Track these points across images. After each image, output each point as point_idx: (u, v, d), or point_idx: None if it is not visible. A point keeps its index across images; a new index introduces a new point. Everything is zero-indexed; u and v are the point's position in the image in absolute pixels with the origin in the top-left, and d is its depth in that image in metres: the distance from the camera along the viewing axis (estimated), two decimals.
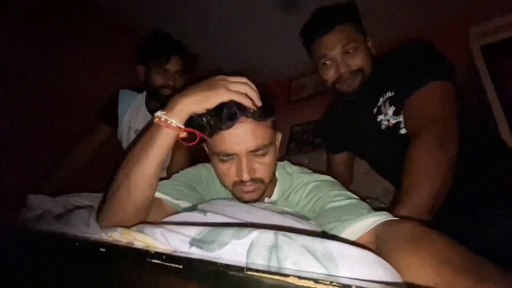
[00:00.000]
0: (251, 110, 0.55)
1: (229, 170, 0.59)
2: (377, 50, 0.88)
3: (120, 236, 0.43)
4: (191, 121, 0.57)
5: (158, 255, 0.31)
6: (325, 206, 0.56)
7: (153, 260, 0.30)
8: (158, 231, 0.37)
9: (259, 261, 0.27)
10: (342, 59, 0.81)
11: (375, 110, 0.84)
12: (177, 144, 1.09)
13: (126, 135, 1.17)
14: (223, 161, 0.59)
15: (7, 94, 1.33)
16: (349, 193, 0.58)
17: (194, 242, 0.33)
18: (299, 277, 0.19)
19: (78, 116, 1.46)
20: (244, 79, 0.55)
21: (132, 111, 1.17)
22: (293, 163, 0.77)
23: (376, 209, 0.51)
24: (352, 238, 0.46)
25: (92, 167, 1.20)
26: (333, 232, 0.49)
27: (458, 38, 1.75)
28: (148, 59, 1.07)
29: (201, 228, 0.34)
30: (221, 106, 0.54)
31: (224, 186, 0.64)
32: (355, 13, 0.85)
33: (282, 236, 0.28)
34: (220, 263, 0.24)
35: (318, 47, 0.83)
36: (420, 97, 0.70)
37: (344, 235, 0.47)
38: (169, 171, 1.09)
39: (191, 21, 1.86)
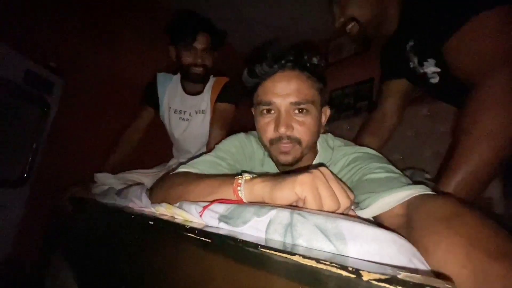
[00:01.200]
0: (303, 64, 0.58)
1: (268, 125, 0.60)
2: None
3: (164, 210, 0.50)
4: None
5: (192, 229, 0.35)
6: (363, 177, 0.54)
7: (188, 234, 0.36)
8: (193, 207, 0.42)
9: (276, 237, 0.29)
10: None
11: (405, 54, 0.79)
12: (214, 121, 1.16)
13: (167, 115, 1.26)
14: (263, 114, 0.61)
15: (66, 85, 1.52)
16: (391, 167, 0.55)
17: (222, 218, 0.37)
18: (304, 256, 0.22)
19: (129, 99, 1.61)
20: (350, 195, 0.41)
21: (169, 92, 1.24)
22: (333, 131, 0.75)
23: (417, 183, 0.48)
24: (383, 209, 0.45)
25: (142, 145, 1.34)
26: (365, 203, 0.48)
27: None
28: (177, 39, 1.10)
29: (228, 206, 0.38)
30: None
31: (263, 145, 0.65)
32: None
33: (297, 215, 0.30)
34: (239, 239, 0.28)
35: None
36: (463, 38, 0.55)
37: (375, 206, 0.46)
38: (208, 147, 1.17)
39: None
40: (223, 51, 1.28)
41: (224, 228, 0.36)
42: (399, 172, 0.53)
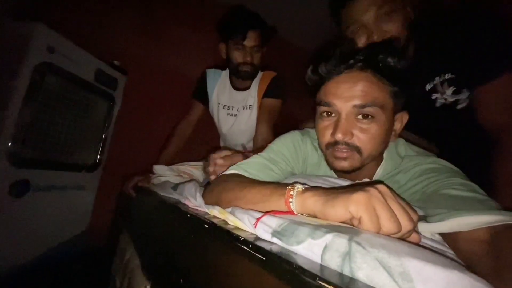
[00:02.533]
0: (373, 64, 0.53)
1: (326, 129, 0.57)
2: None
3: (218, 214, 0.52)
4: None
5: (246, 242, 0.37)
6: (440, 190, 0.48)
7: (241, 246, 0.37)
8: (246, 217, 0.43)
9: (332, 265, 0.29)
10: (375, 24, 0.71)
11: (428, 87, 0.79)
12: (261, 116, 1.16)
13: (216, 110, 1.31)
14: (322, 116, 0.58)
15: (128, 81, 1.68)
16: (476, 186, 0.48)
17: (275, 233, 0.37)
18: None
19: (184, 94, 1.71)
20: (413, 216, 0.37)
21: (218, 88, 1.28)
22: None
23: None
24: (461, 229, 0.40)
25: (193, 139, 1.42)
26: (438, 217, 0.43)
27: None
28: (227, 36, 1.11)
29: (281, 221, 0.38)
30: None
31: (320, 149, 0.62)
32: None
33: (355, 245, 0.28)
34: (296, 265, 0.28)
35: (348, 12, 0.75)
36: (496, 90, 0.67)
37: (452, 222, 0.41)
38: (254, 143, 1.19)
39: None
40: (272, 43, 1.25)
41: (277, 244, 0.36)
42: (485, 194, 0.46)
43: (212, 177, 0.73)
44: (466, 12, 0.72)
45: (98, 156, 1.54)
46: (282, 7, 1.97)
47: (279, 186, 0.49)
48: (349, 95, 0.53)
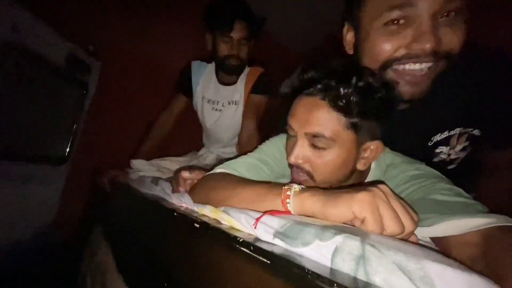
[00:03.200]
0: (331, 94, 0.48)
1: (289, 148, 0.57)
2: None
3: (209, 213, 0.49)
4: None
5: (246, 244, 0.34)
6: (427, 196, 0.47)
7: (241, 248, 0.34)
8: (242, 216, 0.41)
9: (345, 269, 0.27)
10: (434, 24, 0.47)
11: (437, 138, 0.64)
12: (247, 112, 1.13)
13: (200, 104, 1.25)
14: (287, 136, 0.58)
15: (103, 68, 1.56)
16: (462, 191, 0.48)
17: (277, 234, 0.34)
18: None
19: (164, 85, 1.62)
20: (415, 217, 0.37)
21: (203, 82, 1.22)
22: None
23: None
24: (452, 233, 0.40)
25: (173, 132, 1.35)
26: (429, 221, 0.42)
27: None
28: (213, 27, 1.06)
29: (283, 221, 0.36)
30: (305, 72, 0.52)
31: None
32: None
33: (370, 247, 0.27)
34: (309, 270, 0.25)
35: None
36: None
37: (442, 226, 0.40)
38: (240, 138, 1.15)
39: None
40: (260, 38, 1.22)
41: (279, 246, 0.34)
42: (471, 198, 0.46)
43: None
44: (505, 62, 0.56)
45: (68, 149, 1.42)
46: (271, 6, 1.95)
47: (275, 185, 0.47)
48: (304, 120, 0.51)
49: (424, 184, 0.50)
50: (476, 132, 0.61)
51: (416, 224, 0.36)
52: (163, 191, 0.70)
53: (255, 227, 0.37)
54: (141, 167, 1.05)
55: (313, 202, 0.40)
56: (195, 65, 1.24)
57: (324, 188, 0.44)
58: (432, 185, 0.49)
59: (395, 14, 0.48)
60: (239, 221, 0.41)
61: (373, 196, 0.35)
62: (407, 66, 0.51)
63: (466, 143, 0.63)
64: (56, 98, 1.33)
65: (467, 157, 0.67)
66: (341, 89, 0.48)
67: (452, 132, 0.62)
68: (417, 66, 0.50)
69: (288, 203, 0.42)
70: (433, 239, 0.45)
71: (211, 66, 1.22)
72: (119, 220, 0.90)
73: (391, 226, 0.34)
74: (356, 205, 0.35)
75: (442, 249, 0.44)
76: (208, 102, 1.23)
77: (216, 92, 1.22)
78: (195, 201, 0.56)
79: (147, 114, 1.43)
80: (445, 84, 0.55)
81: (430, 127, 0.64)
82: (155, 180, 0.84)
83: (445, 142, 0.64)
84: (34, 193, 1.25)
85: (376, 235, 0.32)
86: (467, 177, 0.70)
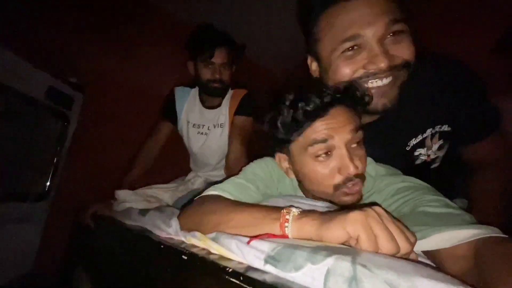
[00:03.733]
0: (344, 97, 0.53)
1: (328, 169, 0.53)
2: None
3: (198, 242, 0.47)
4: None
5: (235, 274, 0.33)
6: (416, 209, 0.47)
7: (230, 279, 0.33)
8: (233, 242, 0.39)
9: None
10: (381, 45, 0.53)
11: (414, 141, 0.67)
12: (232, 134, 1.14)
13: (186, 129, 1.25)
14: (318, 159, 0.52)
15: (86, 99, 1.54)
16: (449, 202, 0.49)
17: (268, 259, 0.33)
18: None
19: (149, 113, 1.61)
20: (411, 238, 0.36)
21: (188, 107, 1.23)
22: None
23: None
24: (441, 246, 0.40)
25: (160, 159, 1.33)
26: (419, 235, 0.42)
27: None
28: (195, 54, 1.09)
29: (274, 244, 0.35)
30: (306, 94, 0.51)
31: (319, 191, 0.57)
32: None
33: (361, 268, 0.26)
34: None
35: (340, 20, 0.55)
36: (488, 146, 0.68)
37: (432, 239, 0.40)
38: (227, 161, 1.15)
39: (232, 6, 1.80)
40: (242, 63, 1.26)
41: (271, 273, 0.32)
42: (459, 208, 0.47)
43: None
44: (461, 65, 0.64)
45: (48, 183, 1.36)
46: (251, 29, 2.03)
47: (272, 209, 0.46)
48: (341, 126, 0.51)
49: (412, 197, 0.50)
50: (445, 127, 0.66)
51: (412, 245, 0.36)
52: (151, 222, 0.68)
53: (248, 243, 0.36)
54: (127, 198, 1.01)
55: (310, 226, 0.40)
56: (179, 91, 1.25)
57: (322, 212, 0.43)
58: (420, 197, 0.49)
59: (348, 44, 0.55)
60: (230, 247, 0.39)
61: (366, 215, 0.36)
62: (369, 84, 0.57)
63: (441, 141, 0.67)
64: (35, 132, 1.30)
65: (448, 154, 0.71)
66: (357, 93, 0.53)
67: (424, 135, 0.66)
68: (378, 82, 0.56)
69: (287, 227, 0.41)
70: (425, 252, 0.45)
71: (195, 91, 1.24)
72: (104, 258, 0.85)
73: (385, 246, 0.34)
74: (349, 225, 0.36)
75: (434, 261, 0.44)
76: (193, 126, 1.24)
77: (200, 116, 1.22)
78: (186, 227, 0.54)
79: (133, 142, 1.40)
80: (410, 92, 0.60)
81: (404, 133, 0.68)
82: (143, 211, 0.81)
83: (421, 144, 0.68)
84: (11, 235, 1.17)
85: (367, 253, 0.32)
86: (454, 176, 0.77)
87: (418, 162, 0.70)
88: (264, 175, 0.66)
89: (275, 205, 0.55)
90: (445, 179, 0.71)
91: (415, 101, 0.63)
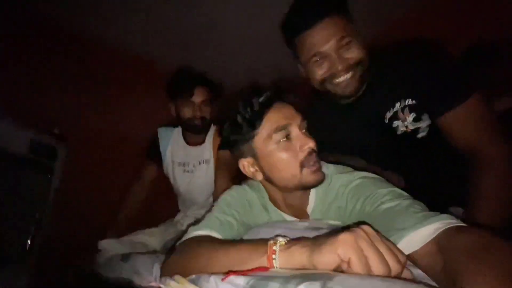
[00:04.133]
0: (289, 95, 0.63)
1: (291, 150, 0.58)
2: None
3: (176, 285, 0.44)
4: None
5: None
6: (376, 209, 0.50)
7: None
8: (212, 279, 0.37)
9: None
10: (337, 54, 0.73)
11: (389, 115, 0.80)
12: (218, 169, 1.13)
13: (171, 169, 1.24)
14: (281, 144, 0.58)
15: (71, 150, 1.53)
16: (397, 190, 0.53)
17: None
18: None
19: (133, 157, 1.61)
20: (401, 258, 0.37)
21: (172, 146, 1.24)
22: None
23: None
24: (411, 249, 0.41)
25: (147, 203, 1.30)
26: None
27: None
28: (175, 96, 1.13)
29: (248, 278, 0.33)
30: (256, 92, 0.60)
31: (286, 178, 0.60)
32: (345, 3, 0.77)
33: None
34: None
35: (306, 42, 0.75)
36: (463, 116, 0.71)
37: (402, 245, 0.42)
38: (214, 196, 1.13)
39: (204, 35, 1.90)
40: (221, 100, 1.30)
41: None
42: (407, 194, 0.51)
43: None
44: (423, 43, 0.79)
45: (29, 242, 1.28)
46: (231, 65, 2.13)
47: (259, 243, 0.45)
48: (293, 114, 0.61)
49: (367, 195, 0.54)
50: (409, 101, 0.77)
51: (402, 265, 0.36)
52: (132, 268, 0.64)
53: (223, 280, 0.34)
54: (111, 248, 0.96)
55: (300, 254, 0.39)
56: (162, 131, 1.27)
57: (310, 239, 0.43)
58: (374, 194, 0.53)
59: (316, 58, 0.75)
60: (208, 286, 0.37)
61: (355, 236, 0.36)
62: (336, 80, 0.76)
63: (413, 114, 0.77)
64: (17, 188, 1.26)
65: (434, 126, 0.77)
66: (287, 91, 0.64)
67: (394, 108, 0.79)
68: (342, 78, 0.75)
69: (274, 258, 0.41)
70: None
71: (178, 130, 1.26)
72: None
73: (376, 267, 0.33)
74: (339, 247, 0.35)
75: (413, 263, 0.44)
76: (178, 165, 1.23)
77: (185, 154, 1.23)
78: (167, 273, 0.51)
79: (119, 189, 1.37)
80: (378, 74, 0.79)
81: (379, 108, 0.81)
82: (125, 257, 0.77)
83: (395, 117, 0.79)
84: None
85: (342, 275, 0.30)
86: (450, 181, 0.81)
87: (399, 132, 0.80)
88: (236, 202, 0.67)
89: (259, 236, 0.54)
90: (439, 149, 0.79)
91: (383, 81, 0.79)
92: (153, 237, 1.11)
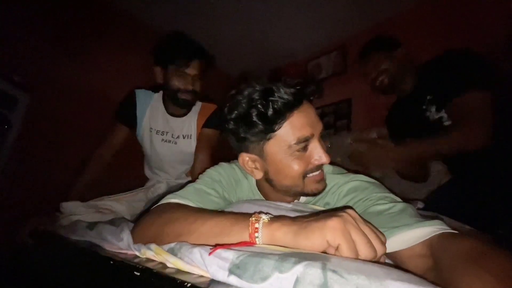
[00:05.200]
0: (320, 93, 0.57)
1: (304, 162, 0.54)
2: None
3: (153, 255, 0.42)
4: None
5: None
6: (367, 210, 0.50)
7: None
8: (197, 251, 0.35)
9: None
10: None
11: (424, 106, 1.02)
12: (200, 146, 1.09)
13: (147, 136, 1.17)
14: (295, 153, 0.53)
15: (33, 101, 1.38)
16: (393, 196, 0.52)
17: (233, 269, 0.30)
18: None
19: (102, 117, 1.48)
20: (383, 239, 0.37)
21: (150, 112, 1.15)
22: None
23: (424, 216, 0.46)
24: (401, 247, 0.41)
25: (112, 167, 1.21)
26: None
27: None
28: (168, 62, 1.04)
29: (239, 252, 0.32)
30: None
31: (289, 185, 0.57)
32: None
33: (331, 274, 0.24)
34: None
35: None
36: (463, 103, 0.87)
37: (393, 240, 0.42)
38: (193, 171, 1.09)
39: (198, 12, 1.80)
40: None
41: (235, 286, 0.29)
42: (401, 200, 0.50)
43: None
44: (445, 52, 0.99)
45: None
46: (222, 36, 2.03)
47: (240, 217, 0.43)
48: (317, 121, 0.55)
49: (361, 197, 0.53)
50: (430, 97, 0.99)
51: (385, 246, 0.36)
52: (99, 235, 0.60)
53: (210, 254, 0.32)
54: (75, 210, 0.90)
55: (284, 233, 0.38)
56: (140, 94, 1.17)
57: (293, 218, 0.42)
58: (369, 196, 0.52)
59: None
60: (191, 259, 0.35)
61: (344, 222, 0.35)
62: None
63: (434, 106, 0.97)
64: None
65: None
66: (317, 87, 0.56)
67: (426, 101, 0.99)
68: None
69: (257, 237, 0.39)
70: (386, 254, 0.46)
71: (158, 96, 1.17)
72: (45, 280, 0.73)
73: (364, 251, 0.34)
74: (329, 233, 0.34)
75: (395, 262, 0.45)
76: (157, 133, 1.16)
77: (165, 123, 1.15)
78: (142, 240, 0.48)
79: (84, 149, 1.26)
80: (423, 74, 1.04)
81: (420, 100, 1.02)
82: (92, 225, 0.72)
83: (427, 109, 1.00)
84: None
85: (339, 258, 0.30)
86: None
87: (431, 118, 0.99)
88: (222, 179, 0.65)
89: (240, 211, 0.53)
90: None
91: (424, 80, 1.02)
92: (121, 204, 1.05)
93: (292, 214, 0.53)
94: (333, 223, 0.35)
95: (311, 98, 0.56)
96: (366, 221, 0.37)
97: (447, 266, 0.35)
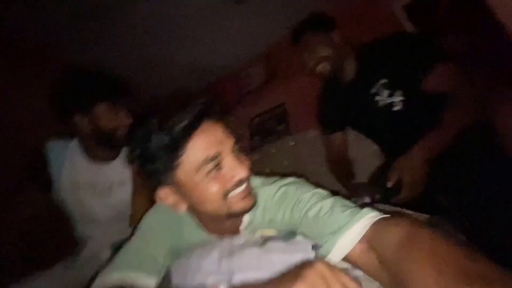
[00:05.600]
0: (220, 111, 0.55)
1: (221, 182, 0.51)
2: None
3: None
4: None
5: None
6: (304, 216, 0.52)
7: None
8: None
9: None
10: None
11: (373, 91, 0.99)
12: (138, 190, 0.96)
13: (71, 192, 0.97)
14: (209, 175, 0.50)
15: None
16: (319, 191, 0.55)
17: None
18: None
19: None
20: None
21: (71, 163, 0.97)
22: (264, 157, 0.69)
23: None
24: (346, 251, 0.44)
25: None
26: (325, 247, 0.47)
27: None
28: (89, 105, 0.91)
29: None
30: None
31: (213, 209, 0.53)
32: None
33: None
34: None
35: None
36: (436, 79, 0.88)
37: (335, 251, 0.45)
38: (132, 218, 0.96)
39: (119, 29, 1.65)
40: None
41: None
42: (328, 193, 0.54)
43: None
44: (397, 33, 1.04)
45: None
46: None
47: None
48: (220, 139, 0.52)
49: (293, 203, 0.55)
50: (383, 80, 0.97)
51: None
52: None
53: None
54: None
55: None
56: (54, 147, 0.97)
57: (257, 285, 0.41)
58: (298, 200, 0.54)
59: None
60: None
61: (321, 275, 0.34)
62: None
63: (387, 91, 0.97)
64: None
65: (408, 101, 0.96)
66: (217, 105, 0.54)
67: (377, 85, 0.98)
68: None
69: None
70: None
71: (74, 144, 1.00)
72: None
73: None
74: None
75: (352, 265, 0.47)
76: (85, 187, 0.98)
77: (92, 172, 0.98)
78: None
79: None
80: (371, 56, 1.02)
81: (367, 83, 1.01)
82: None
83: (377, 93, 0.98)
84: None
85: None
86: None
87: (380, 105, 0.98)
88: (164, 227, 0.62)
89: (185, 272, 0.54)
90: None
91: (371, 62, 1.01)
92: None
93: (248, 250, 0.52)
94: (310, 277, 0.33)
95: (214, 116, 0.54)
96: (340, 270, 0.36)
97: (386, 257, 0.38)
